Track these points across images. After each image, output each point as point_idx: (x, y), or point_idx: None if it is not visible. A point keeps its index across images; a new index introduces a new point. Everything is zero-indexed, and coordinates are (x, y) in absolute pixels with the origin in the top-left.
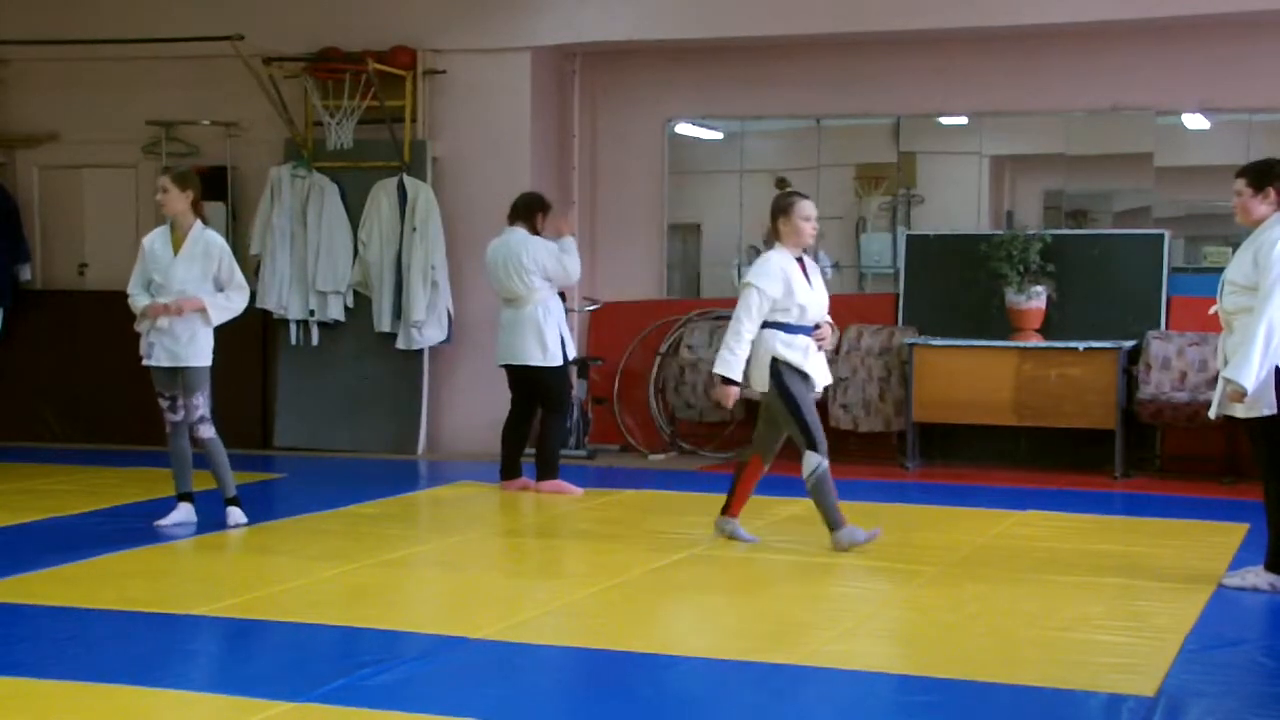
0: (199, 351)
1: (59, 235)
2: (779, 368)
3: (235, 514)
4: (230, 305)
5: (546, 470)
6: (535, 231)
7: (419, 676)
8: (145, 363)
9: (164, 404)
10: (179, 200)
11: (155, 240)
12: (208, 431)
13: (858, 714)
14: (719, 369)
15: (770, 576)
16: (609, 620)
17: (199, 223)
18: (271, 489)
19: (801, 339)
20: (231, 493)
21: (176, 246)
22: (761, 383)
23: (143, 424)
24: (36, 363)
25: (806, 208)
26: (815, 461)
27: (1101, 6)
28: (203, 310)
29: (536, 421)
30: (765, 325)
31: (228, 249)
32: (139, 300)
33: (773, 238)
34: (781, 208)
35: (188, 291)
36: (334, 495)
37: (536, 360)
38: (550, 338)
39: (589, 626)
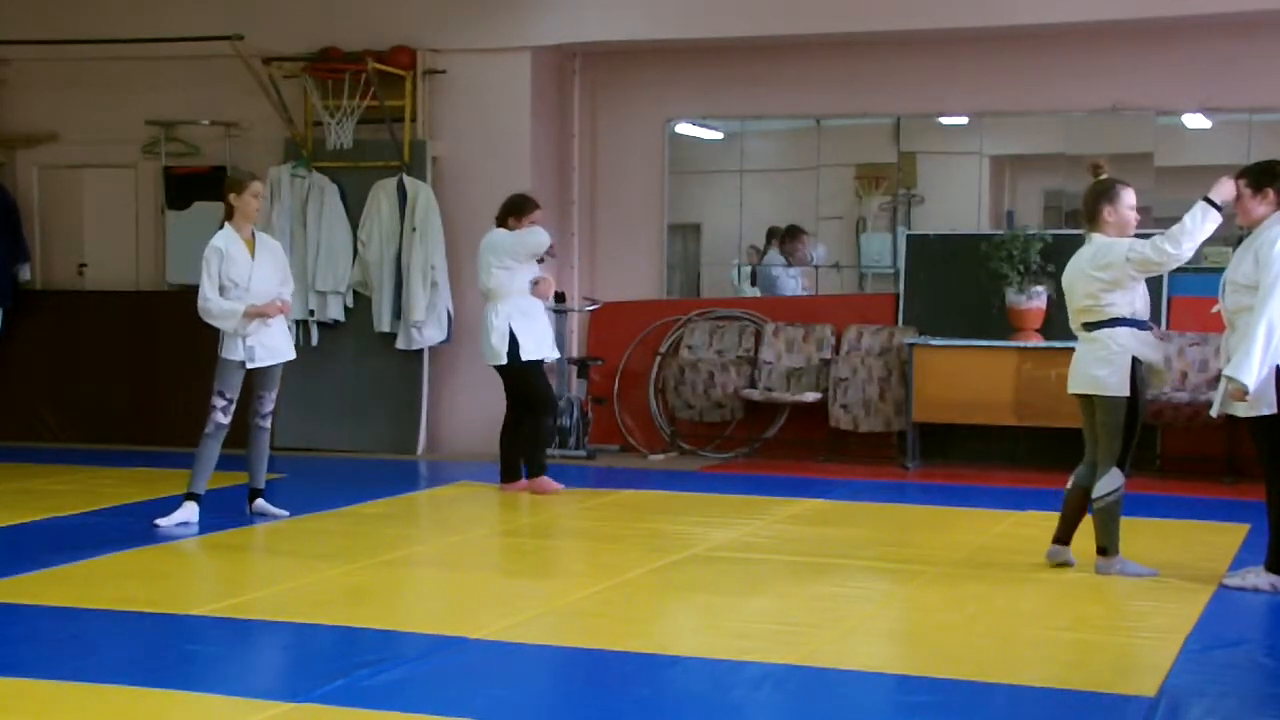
0: (291, 346)
1: (59, 235)
2: (1139, 368)
3: (268, 506)
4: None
5: (530, 469)
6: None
7: (418, 676)
8: (250, 365)
9: (221, 404)
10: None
11: (229, 244)
12: (270, 423)
13: (858, 714)
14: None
15: (770, 576)
16: (609, 620)
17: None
18: (271, 489)
19: (1149, 335)
20: (263, 485)
21: (249, 249)
22: (1118, 386)
23: (143, 424)
24: (36, 363)
25: (1131, 195)
26: (1120, 481)
27: (1101, 6)
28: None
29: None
30: (1107, 324)
31: (282, 250)
32: (225, 305)
33: (1090, 226)
34: (1109, 195)
35: (270, 292)
36: (334, 495)
37: (491, 359)
38: (497, 336)
39: (589, 626)
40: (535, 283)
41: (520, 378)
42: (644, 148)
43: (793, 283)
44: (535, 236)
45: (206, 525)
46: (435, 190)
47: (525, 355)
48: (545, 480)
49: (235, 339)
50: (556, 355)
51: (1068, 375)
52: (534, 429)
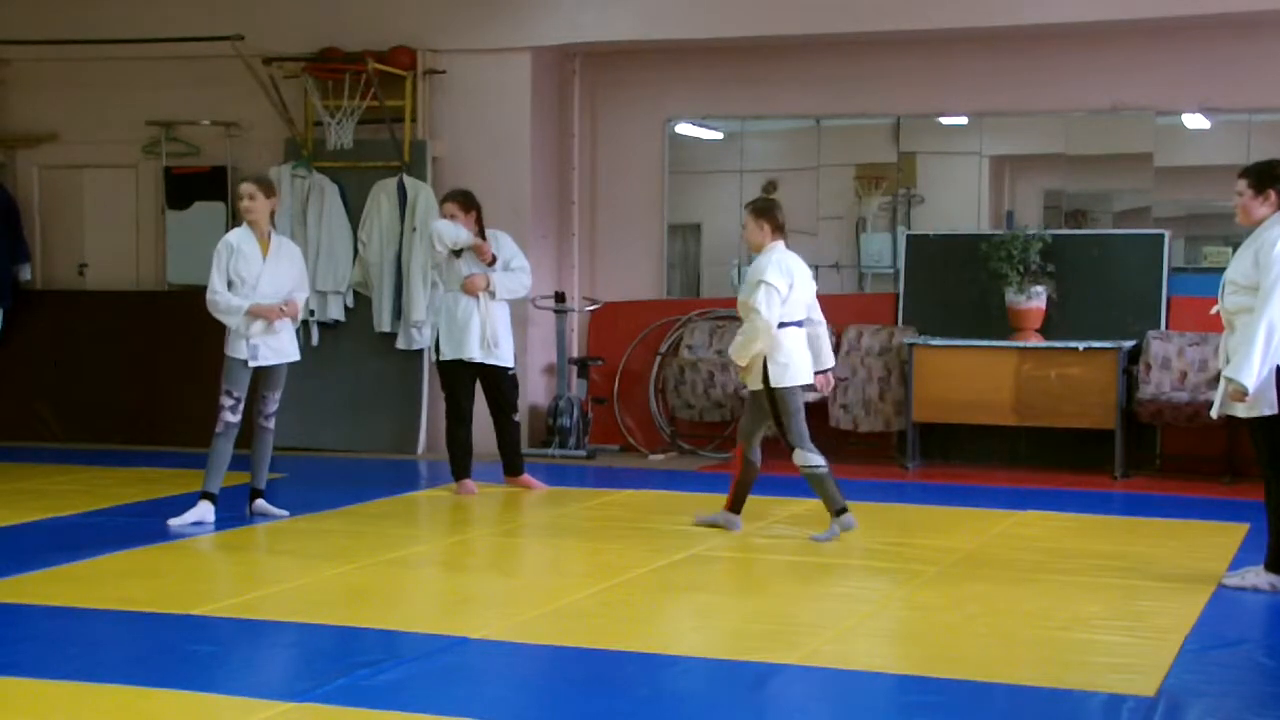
0: (296, 347)
1: (59, 235)
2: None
3: (268, 506)
4: (303, 308)
5: (455, 472)
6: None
7: (419, 676)
8: (252, 364)
9: (228, 403)
10: (264, 206)
11: (242, 241)
12: (273, 423)
13: (858, 714)
14: None
15: (770, 576)
16: (609, 620)
17: (273, 228)
18: (271, 489)
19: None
20: (264, 485)
21: (261, 249)
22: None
23: (143, 424)
24: (36, 363)
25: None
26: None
27: (1101, 6)
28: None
29: (508, 419)
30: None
31: (302, 257)
32: (232, 300)
33: (783, 235)
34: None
35: (279, 294)
36: (334, 495)
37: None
38: (429, 333)
39: (589, 626)
40: (465, 279)
41: (440, 376)
42: (644, 148)
43: None
44: (430, 232)
45: (207, 525)
46: (435, 190)
47: (441, 355)
48: (464, 483)
49: (240, 338)
50: (479, 357)
51: (799, 366)
52: (449, 431)
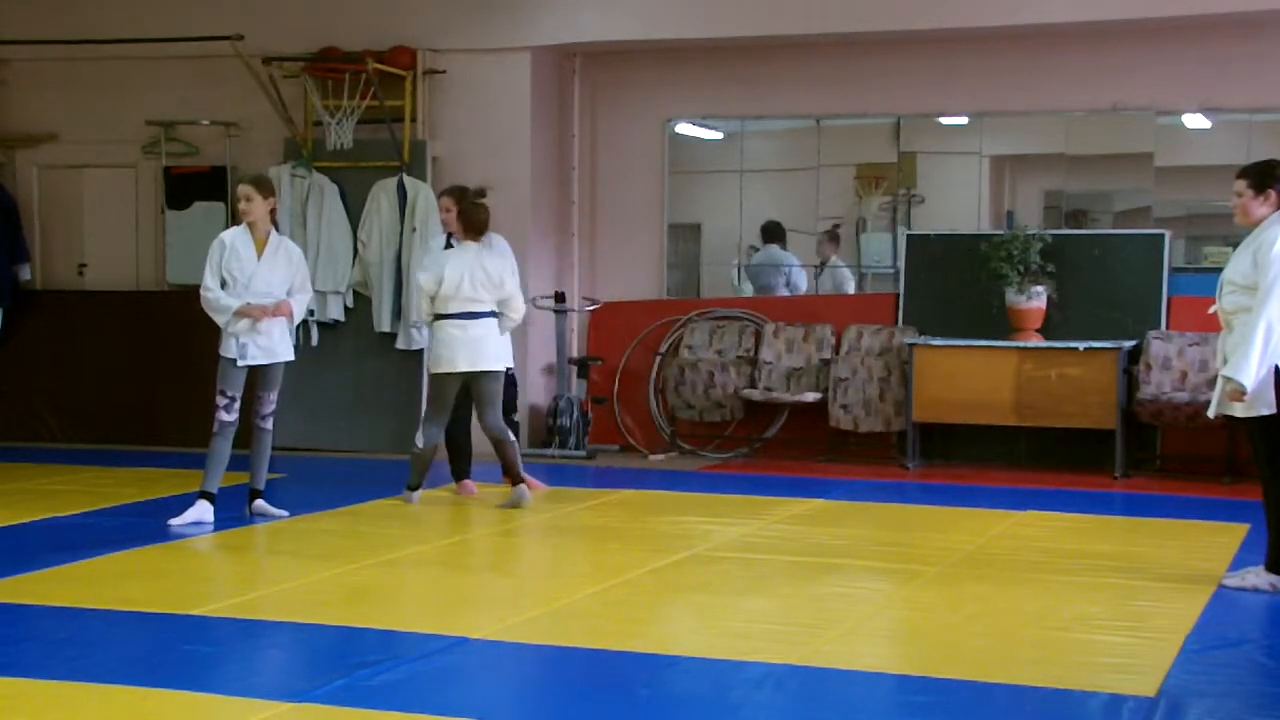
0: (289, 347)
1: (59, 235)
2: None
3: (268, 506)
4: (301, 310)
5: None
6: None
7: (419, 676)
8: (240, 363)
9: (223, 402)
10: (261, 207)
11: (236, 239)
12: (271, 424)
13: (858, 714)
14: None
15: (770, 576)
16: (609, 620)
17: (274, 229)
18: (271, 489)
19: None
20: (263, 486)
21: (258, 249)
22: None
23: (143, 424)
24: (36, 363)
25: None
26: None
27: (1101, 6)
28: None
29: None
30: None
31: (304, 259)
32: (223, 298)
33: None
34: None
35: (273, 294)
36: (334, 495)
37: None
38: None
39: (589, 626)
40: None
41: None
42: (644, 148)
43: (802, 279)
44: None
45: (206, 525)
46: (435, 190)
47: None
48: (464, 483)
49: (230, 337)
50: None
51: (474, 355)
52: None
